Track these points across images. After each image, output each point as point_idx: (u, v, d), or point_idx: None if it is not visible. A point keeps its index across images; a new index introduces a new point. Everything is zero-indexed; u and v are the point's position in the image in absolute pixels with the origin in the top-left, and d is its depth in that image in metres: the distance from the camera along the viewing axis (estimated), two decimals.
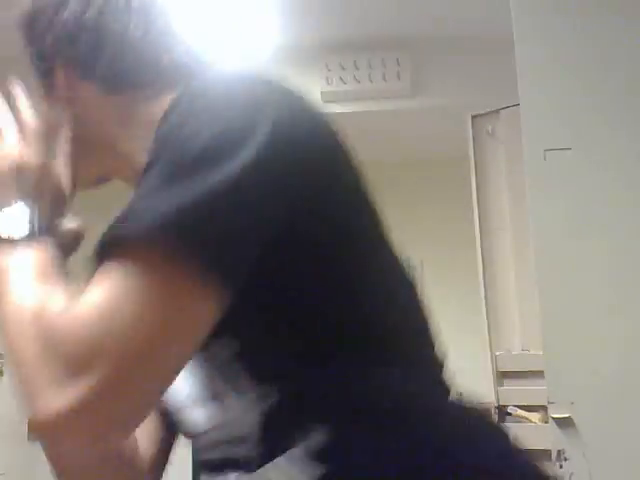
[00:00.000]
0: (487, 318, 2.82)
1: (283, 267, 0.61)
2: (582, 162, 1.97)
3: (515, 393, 2.67)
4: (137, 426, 0.59)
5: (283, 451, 0.60)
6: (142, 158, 0.62)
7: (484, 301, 2.83)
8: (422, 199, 4.61)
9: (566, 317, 1.96)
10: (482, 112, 2.78)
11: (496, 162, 2.73)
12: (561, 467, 1.92)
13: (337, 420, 0.62)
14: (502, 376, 2.73)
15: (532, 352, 2.60)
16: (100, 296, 0.55)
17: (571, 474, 1.91)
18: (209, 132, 0.58)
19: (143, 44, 0.77)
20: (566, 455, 1.92)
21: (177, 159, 0.57)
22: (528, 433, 2.59)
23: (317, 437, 0.60)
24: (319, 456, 0.59)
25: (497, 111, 2.72)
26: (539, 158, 1.98)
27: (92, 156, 0.80)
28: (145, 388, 0.56)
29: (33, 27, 0.80)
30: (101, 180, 0.85)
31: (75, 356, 0.55)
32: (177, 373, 0.57)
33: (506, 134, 2.65)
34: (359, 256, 0.69)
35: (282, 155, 0.60)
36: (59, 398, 0.56)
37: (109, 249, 0.57)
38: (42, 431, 0.59)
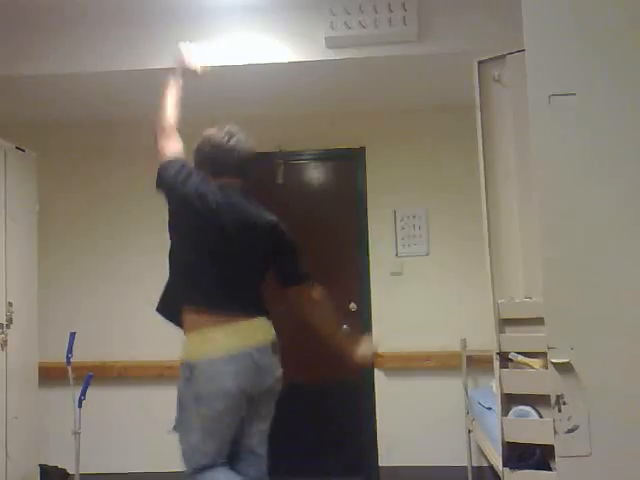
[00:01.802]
0: (491, 266, 2.82)
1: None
2: (587, 107, 1.95)
3: (516, 340, 2.70)
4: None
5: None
6: None
7: (488, 250, 2.83)
8: (427, 147, 4.58)
9: (567, 263, 1.96)
10: (488, 58, 2.74)
11: (502, 108, 2.70)
12: (560, 411, 1.95)
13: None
14: (504, 323, 2.76)
15: (534, 300, 2.62)
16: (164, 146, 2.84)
17: (569, 418, 1.94)
18: None
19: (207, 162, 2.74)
20: (565, 400, 1.95)
21: None
22: (529, 379, 2.63)
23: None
24: None
25: (503, 57, 2.68)
26: (543, 103, 1.95)
27: None
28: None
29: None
30: None
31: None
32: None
33: (512, 80, 2.62)
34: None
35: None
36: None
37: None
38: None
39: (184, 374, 2.39)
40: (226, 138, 2.70)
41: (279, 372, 2.63)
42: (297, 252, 2.75)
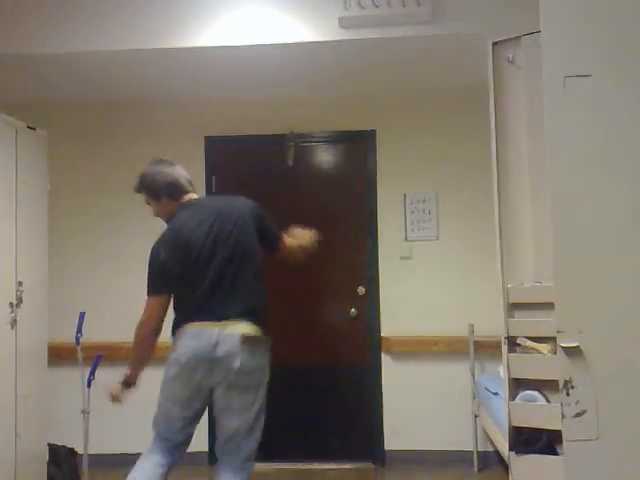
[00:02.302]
0: (501, 251, 2.81)
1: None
2: (602, 89, 1.92)
3: (525, 325, 2.69)
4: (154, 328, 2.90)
5: None
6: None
7: (498, 234, 2.82)
8: (438, 130, 4.55)
9: (578, 248, 1.95)
10: (503, 39, 2.71)
11: (516, 91, 2.67)
12: (568, 395, 1.94)
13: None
14: (513, 308, 2.75)
15: (544, 284, 2.60)
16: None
17: (577, 402, 1.93)
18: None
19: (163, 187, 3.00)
20: (573, 384, 1.94)
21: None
22: (536, 363, 2.62)
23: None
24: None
25: (518, 38, 2.65)
26: (558, 85, 1.93)
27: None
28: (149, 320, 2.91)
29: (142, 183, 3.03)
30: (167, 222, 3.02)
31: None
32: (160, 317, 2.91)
33: (527, 61, 2.59)
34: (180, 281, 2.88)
35: (156, 258, 2.89)
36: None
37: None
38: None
39: (170, 359, 2.87)
40: (164, 165, 3.04)
41: (247, 366, 2.78)
42: (269, 218, 3.08)
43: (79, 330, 3.55)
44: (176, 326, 2.89)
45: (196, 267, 2.86)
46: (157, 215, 3.09)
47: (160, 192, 2.99)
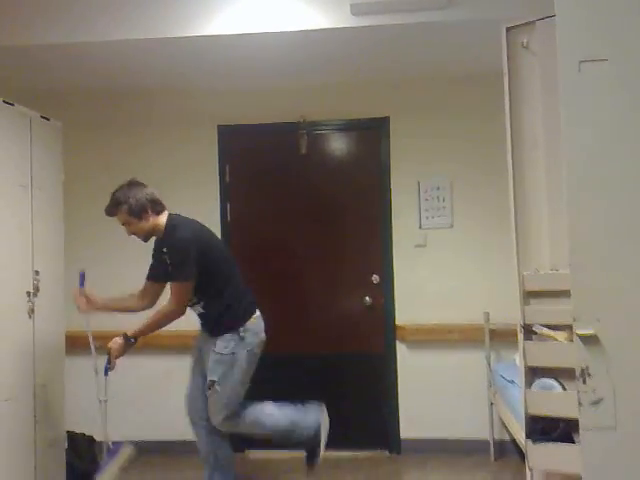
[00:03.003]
0: (516, 238, 2.79)
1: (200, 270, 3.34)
2: (618, 74, 1.89)
3: (541, 312, 2.67)
4: (183, 313, 3.41)
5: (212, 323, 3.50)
6: (157, 235, 3.47)
7: (514, 221, 2.79)
8: (452, 117, 4.51)
9: (594, 235, 1.93)
10: (517, 24, 2.67)
11: (530, 76, 2.64)
12: (584, 383, 1.93)
13: (216, 307, 3.46)
14: (529, 296, 2.73)
15: (560, 272, 2.58)
16: (174, 295, 3.37)
17: (594, 390, 1.92)
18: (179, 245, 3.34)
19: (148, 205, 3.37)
20: (590, 372, 1.93)
21: (177, 258, 3.33)
22: (553, 351, 2.61)
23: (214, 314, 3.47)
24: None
25: (532, 23, 2.61)
26: (574, 70, 1.90)
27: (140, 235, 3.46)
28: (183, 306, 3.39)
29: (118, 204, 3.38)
30: (145, 239, 3.50)
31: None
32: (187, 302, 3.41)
33: (541, 47, 2.55)
34: (217, 269, 3.42)
35: (195, 246, 3.31)
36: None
37: (173, 280, 3.37)
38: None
39: (235, 338, 3.38)
40: (139, 186, 3.39)
41: None
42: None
43: (81, 285, 3.57)
44: (248, 312, 3.45)
45: (232, 264, 3.51)
46: (134, 234, 3.42)
47: (145, 210, 3.34)
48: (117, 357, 3.40)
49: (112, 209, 3.37)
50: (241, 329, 3.40)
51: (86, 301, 3.50)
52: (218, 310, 3.44)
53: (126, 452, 3.50)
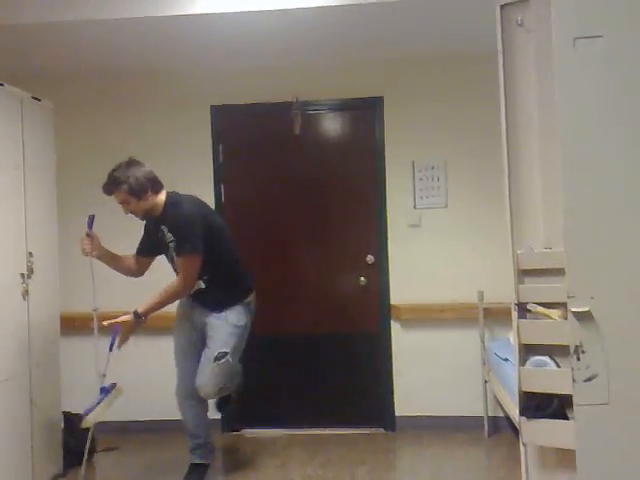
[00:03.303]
0: (510, 217, 2.79)
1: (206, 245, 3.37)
2: (613, 51, 1.89)
3: (535, 290, 2.68)
4: (192, 288, 3.47)
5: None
6: (155, 213, 3.46)
7: (508, 200, 2.79)
8: (447, 96, 4.50)
9: (588, 213, 1.93)
10: (512, 1, 2.65)
11: (525, 54, 2.61)
12: (578, 360, 1.95)
13: (222, 280, 3.53)
14: (523, 274, 2.73)
15: (554, 250, 2.59)
16: (183, 270, 3.39)
17: (588, 366, 1.94)
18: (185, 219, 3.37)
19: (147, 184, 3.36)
20: (584, 348, 1.95)
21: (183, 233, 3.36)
22: (547, 329, 2.62)
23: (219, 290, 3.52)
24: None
25: (527, 0, 2.59)
26: (568, 46, 1.89)
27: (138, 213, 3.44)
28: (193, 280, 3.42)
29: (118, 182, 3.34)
30: (143, 217, 3.50)
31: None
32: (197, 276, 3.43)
33: (536, 24, 2.53)
34: (221, 241, 3.49)
35: (201, 220, 3.38)
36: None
37: (181, 255, 3.36)
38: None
39: (246, 310, 3.52)
40: (138, 164, 3.37)
41: None
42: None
43: (89, 227, 3.47)
44: (249, 288, 3.59)
45: (232, 238, 3.61)
46: (132, 213, 3.40)
47: (145, 189, 3.33)
48: (127, 335, 3.36)
49: (111, 188, 3.34)
50: (247, 300, 3.53)
51: (91, 245, 3.42)
52: (225, 283, 3.49)
53: (116, 392, 3.47)
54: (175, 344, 3.64)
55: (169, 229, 3.40)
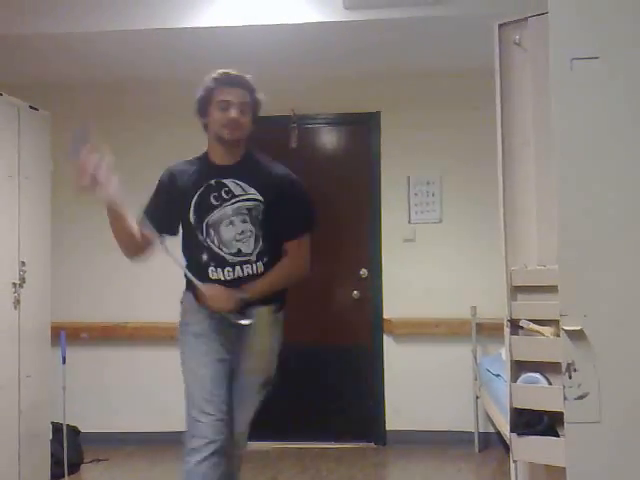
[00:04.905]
0: (505, 234, 2.80)
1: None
2: (610, 72, 1.91)
3: (528, 307, 2.69)
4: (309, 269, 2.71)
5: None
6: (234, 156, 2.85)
7: (502, 217, 2.81)
8: (443, 113, 4.52)
9: (583, 231, 1.94)
10: (509, 20, 2.68)
11: (522, 73, 2.64)
12: (570, 378, 1.95)
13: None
14: (517, 291, 2.75)
15: (547, 267, 2.60)
16: (302, 254, 2.68)
17: (579, 385, 1.94)
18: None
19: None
20: (576, 367, 1.95)
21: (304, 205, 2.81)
22: (539, 346, 2.63)
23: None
24: None
25: (525, 19, 2.62)
26: (565, 67, 1.91)
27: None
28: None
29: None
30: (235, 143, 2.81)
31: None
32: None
33: (533, 43, 2.56)
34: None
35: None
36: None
37: (299, 234, 2.67)
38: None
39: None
40: None
41: None
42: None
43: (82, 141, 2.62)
44: None
45: None
46: (237, 127, 2.71)
47: (257, 118, 2.79)
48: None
49: (244, 82, 2.66)
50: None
51: (92, 178, 2.43)
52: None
53: None
54: (191, 371, 2.52)
55: (267, 195, 2.61)
